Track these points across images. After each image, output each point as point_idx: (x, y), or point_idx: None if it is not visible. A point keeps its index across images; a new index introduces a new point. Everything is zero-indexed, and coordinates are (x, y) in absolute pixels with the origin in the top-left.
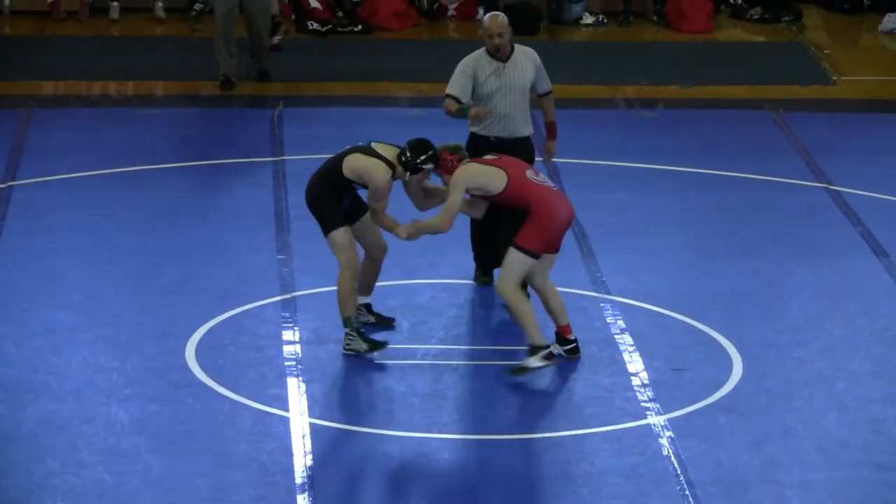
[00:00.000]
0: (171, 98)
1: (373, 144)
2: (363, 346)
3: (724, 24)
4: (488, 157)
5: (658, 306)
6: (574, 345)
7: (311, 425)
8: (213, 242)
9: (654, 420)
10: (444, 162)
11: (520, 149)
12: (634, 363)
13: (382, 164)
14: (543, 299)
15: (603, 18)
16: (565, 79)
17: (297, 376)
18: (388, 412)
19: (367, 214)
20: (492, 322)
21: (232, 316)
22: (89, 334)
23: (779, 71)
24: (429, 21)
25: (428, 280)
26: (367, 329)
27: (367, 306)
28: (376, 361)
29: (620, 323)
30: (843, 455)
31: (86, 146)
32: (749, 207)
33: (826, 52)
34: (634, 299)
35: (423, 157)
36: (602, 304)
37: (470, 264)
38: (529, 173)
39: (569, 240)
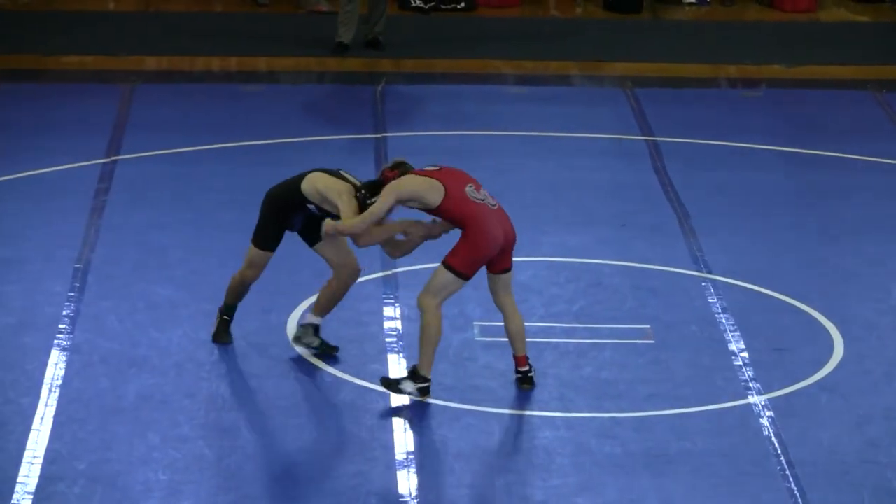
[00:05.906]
0: (274, 74)
1: (341, 171)
2: (219, 333)
3: (828, 4)
4: (429, 167)
5: (759, 286)
6: (526, 374)
7: (412, 401)
8: None
9: (755, 400)
10: (385, 181)
11: None
12: (735, 343)
13: (348, 185)
14: (504, 320)
15: None
16: (667, 57)
17: (398, 353)
18: (489, 389)
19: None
20: (593, 300)
21: None
22: (191, 309)
23: (883, 51)
24: None
25: (529, 258)
26: (311, 351)
27: (315, 328)
28: (477, 339)
29: (722, 302)
30: None
31: (188, 122)
32: (851, 188)
33: None
34: (735, 279)
35: (374, 197)
36: (703, 284)
37: (572, 242)
38: (469, 189)
39: (670, 219)
